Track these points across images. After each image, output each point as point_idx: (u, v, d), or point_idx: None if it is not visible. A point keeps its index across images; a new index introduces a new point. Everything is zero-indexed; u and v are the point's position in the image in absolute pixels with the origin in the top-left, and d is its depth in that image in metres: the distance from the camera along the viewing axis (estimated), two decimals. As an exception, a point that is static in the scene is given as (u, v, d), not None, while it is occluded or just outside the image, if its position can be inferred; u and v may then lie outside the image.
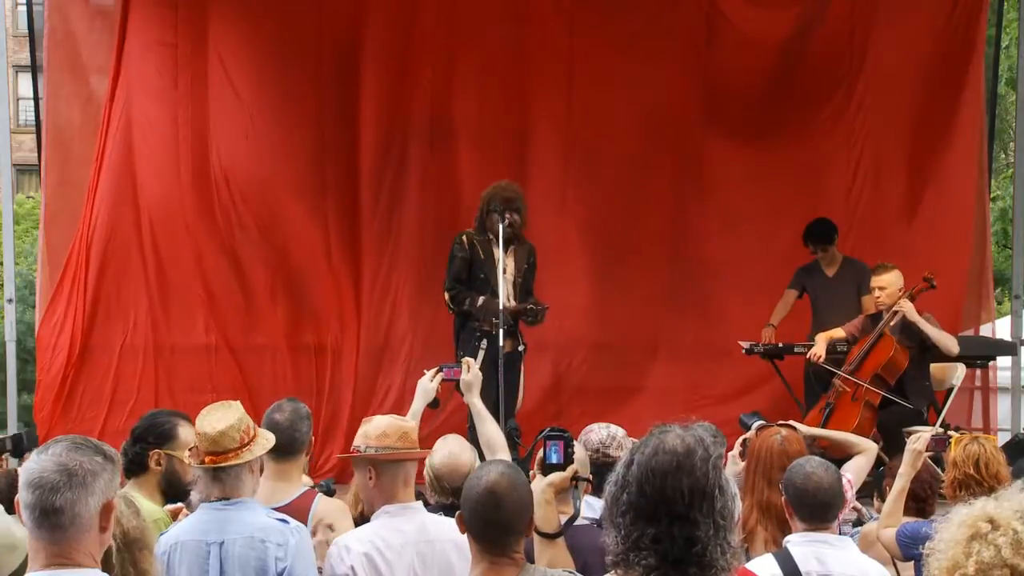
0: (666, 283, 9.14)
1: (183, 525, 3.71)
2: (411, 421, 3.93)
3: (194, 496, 3.99)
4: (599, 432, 4.89)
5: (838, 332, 7.62)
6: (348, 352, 8.93)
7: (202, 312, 8.63)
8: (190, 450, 3.70)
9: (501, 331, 6.84)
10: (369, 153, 9.05)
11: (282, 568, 3.51)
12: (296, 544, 3.55)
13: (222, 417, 3.65)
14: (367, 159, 9.06)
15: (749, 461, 4.29)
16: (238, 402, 3.77)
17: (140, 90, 8.59)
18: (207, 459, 3.61)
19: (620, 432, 4.84)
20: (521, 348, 7.21)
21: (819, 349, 7.54)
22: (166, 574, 3.55)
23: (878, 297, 7.42)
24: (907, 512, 4.72)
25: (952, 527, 2.43)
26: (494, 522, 2.91)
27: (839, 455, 4.94)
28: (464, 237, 7.24)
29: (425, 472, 4.42)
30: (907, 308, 7.28)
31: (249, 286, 8.74)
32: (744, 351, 8.09)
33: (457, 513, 2.97)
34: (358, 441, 3.82)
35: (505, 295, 7.04)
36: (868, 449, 4.97)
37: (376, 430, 3.81)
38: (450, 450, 4.35)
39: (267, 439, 3.77)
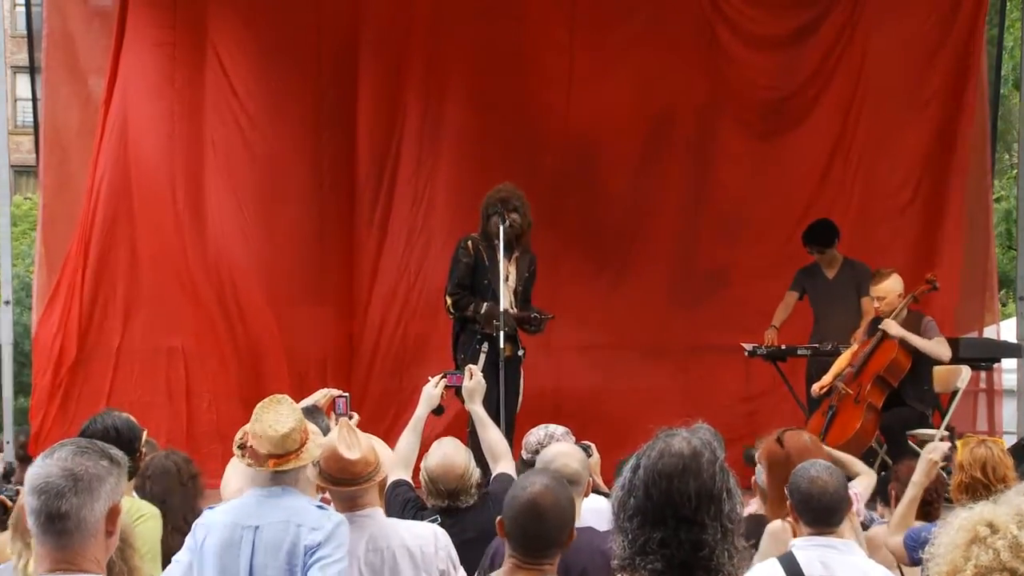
0: (667, 283, 9.16)
1: (225, 507, 3.75)
2: (354, 452, 3.90)
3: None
4: (536, 433, 4.94)
5: (844, 361, 7.57)
6: (344, 357, 8.94)
7: (196, 315, 8.62)
8: (243, 449, 3.68)
9: (502, 334, 6.86)
10: (366, 154, 9.08)
11: (312, 544, 3.52)
12: (331, 529, 3.57)
13: (282, 417, 3.64)
14: (364, 161, 9.08)
15: (773, 467, 4.23)
16: (288, 397, 3.76)
17: (137, 90, 8.58)
18: (271, 462, 3.61)
19: (559, 430, 4.89)
20: (520, 352, 7.22)
21: (825, 381, 7.52)
22: (197, 554, 3.58)
23: (878, 307, 7.42)
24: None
25: (951, 531, 2.43)
26: (534, 535, 2.92)
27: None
28: (469, 242, 7.23)
29: (421, 475, 4.44)
30: (891, 328, 7.27)
31: (243, 289, 8.72)
32: (747, 353, 8.09)
33: (498, 519, 2.99)
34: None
35: (507, 302, 7.04)
36: (867, 473, 5.00)
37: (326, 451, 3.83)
38: (444, 452, 4.38)
39: (317, 434, 3.78)
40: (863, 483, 4.87)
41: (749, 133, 9.13)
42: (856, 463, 5.06)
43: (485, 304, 7.08)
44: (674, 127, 9.17)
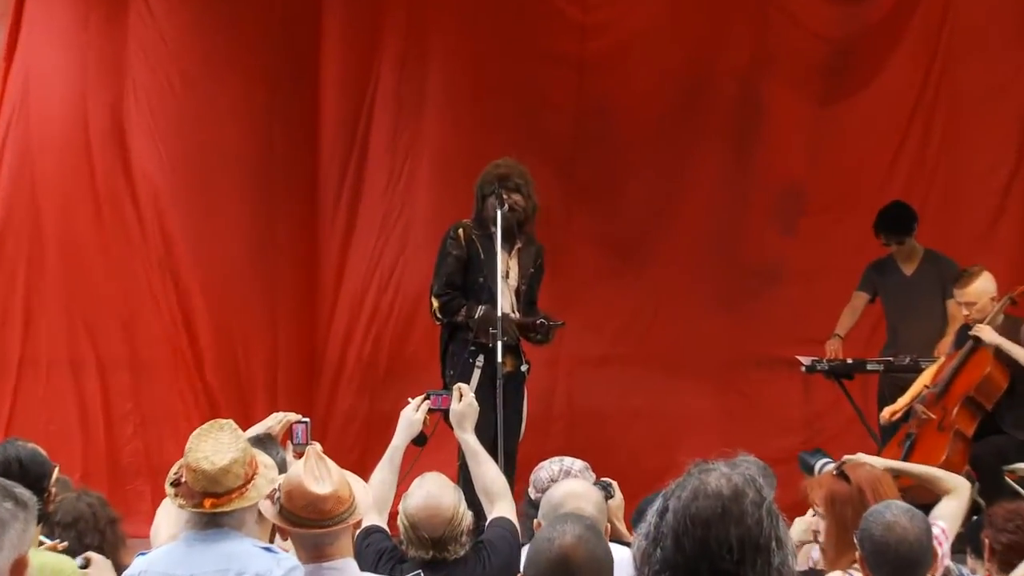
0: (703, 283, 9.18)
1: (152, 556, 3.77)
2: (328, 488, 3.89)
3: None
4: (548, 468, 4.95)
5: (925, 379, 7.56)
6: (302, 373, 8.96)
7: (118, 319, 8.62)
8: (175, 487, 3.69)
9: (500, 345, 6.86)
10: (330, 119, 9.10)
11: None
12: None
13: (222, 447, 3.65)
14: (327, 127, 9.11)
15: (836, 507, 4.23)
16: (232, 422, 3.77)
17: (43, 36, 8.58)
18: (207, 502, 3.63)
19: (577, 465, 4.89)
20: (524, 368, 7.22)
21: (899, 405, 7.52)
22: None
23: (967, 314, 7.42)
24: (1007, 569, 4.72)
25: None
26: None
27: (925, 498, 4.94)
28: (460, 230, 7.22)
29: (399, 520, 4.44)
30: (985, 333, 7.26)
31: (180, 287, 8.71)
32: (804, 369, 8.11)
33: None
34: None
35: (509, 305, 7.04)
36: (960, 488, 4.93)
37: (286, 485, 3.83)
38: (428, 491, 4.38)
39: (270, 467, 3.79)
40: (950, 510, 4.83)
41: (805, 97, 9.15)
42: (946, 478, 4.99)
43: (480, 308, 7.09)
44: (713, 91, 9.19)
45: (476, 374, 6.99)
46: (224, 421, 3.76)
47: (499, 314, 6.95)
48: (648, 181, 9.23)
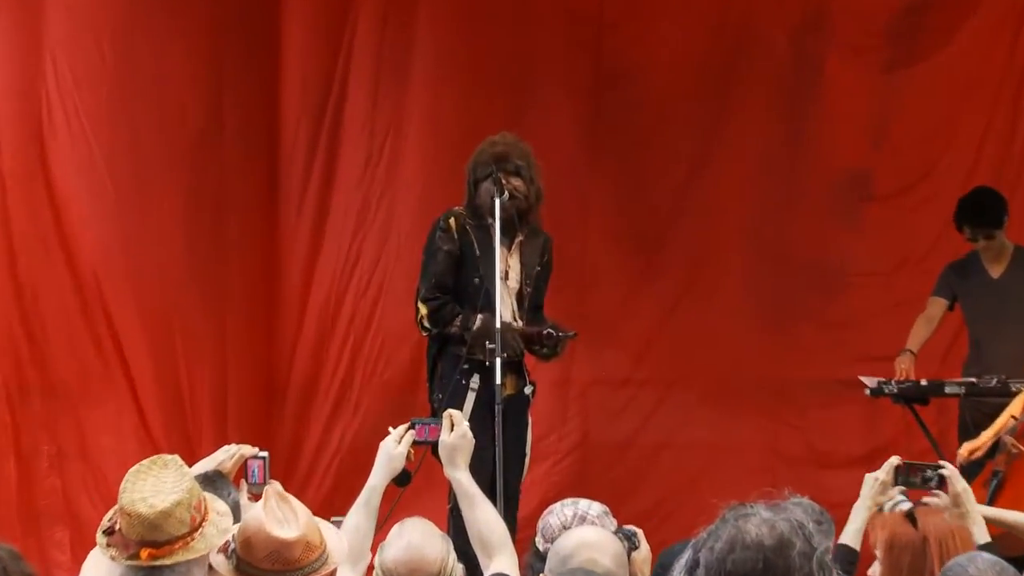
0: (745, 287, 9.22)
1: None
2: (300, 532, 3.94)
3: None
4: (561, 512, 4.97)
5: (1017, 406, 7.57)
6: (259, 397, 9.01)
7: (29, 331, 8.61)
8: (107, 535, 3.72)
9: (499, 363, 6.88)
10: (294, 90, 9.14)
11: None
12: None
13: (165, 487, 3.69)
14: (290, 99, 9.15)
15: (903, 558, 4.28)
16: (177, 458, 3.80)
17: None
18: (144, 553, 3.66)
19: (595, 509, 4.92)
20: (528, 390, 7.22)
21: (982, 440, 7.49)
22: None
23: None
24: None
25: None
26: None
27: (1015, 551, 4.99)
28: (452, 220, 7.21)
29: (375, 574, 4.49)
30: None
31: (107, 292, 8.70)
32: (869, 392, 8.10)
33: None
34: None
35: (509, 312, 7.04)
36: None
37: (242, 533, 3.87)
38: (409, 541, 4.43)
39: (221, 514, 3.82)
40: None
41: (869, 64, 9.18)
42: None
43: (479, 317, 7.06)
44: (758, 56, 9.23)
45: (470, 398, 6.99)
46: (168, 457, 3.78)
47: (498, 325, 6.95)
48: (678, 163, 9.27)
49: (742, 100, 9.28)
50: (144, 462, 3.77)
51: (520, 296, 7.23)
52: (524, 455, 7.20)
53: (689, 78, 9.27)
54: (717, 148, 9.29)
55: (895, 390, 8.08)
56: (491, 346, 6.92)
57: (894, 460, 5.00)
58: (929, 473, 5.06)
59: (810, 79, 9.27)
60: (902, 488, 5.09)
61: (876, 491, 4.92)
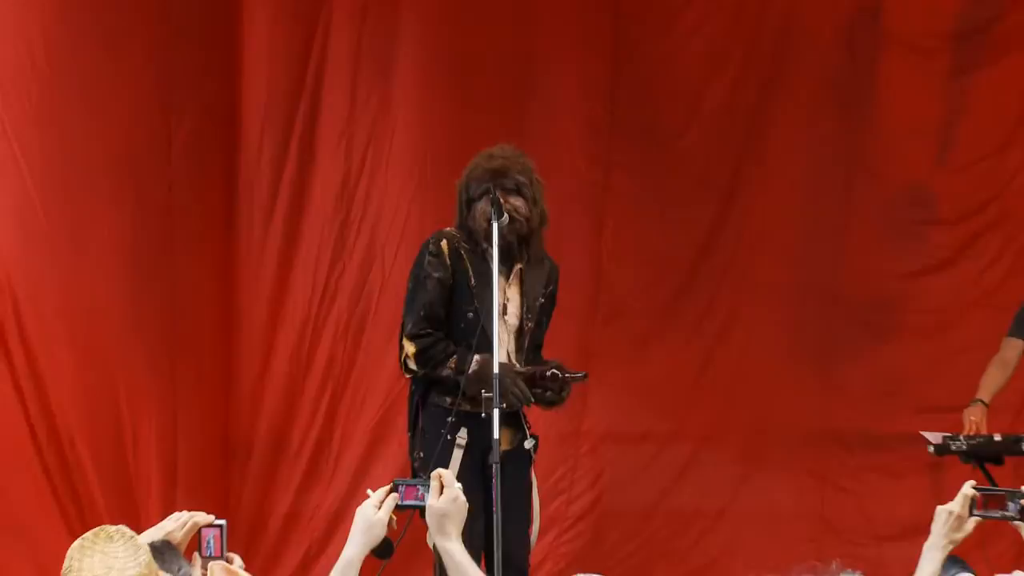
0: (787, 324, 9.27)
1: None
2: None
3: None
4: None
5: None
6: (214, 453, 9.07)
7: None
8: None
9: (496, 413, 6.90)
10: (259, 93, 9.21)
11: None
12: None
13: (115, 563, 3.72)
14: (254, 103, 9.23)
15: None
16: (124, 529, 3.83)
17: None
18: None
19: None
20: (529, 444, 7.22)
21: None
22: None
23: None
24: None
25: None
26: None
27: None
28: (443, 243, 7.15)
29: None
30: None
31: (33, 332, 8.72)
32: (933, 450, 8.12)
33: None
34: None
35: (505, 353, 7.05)
36: None
37: None
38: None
39: None
40: None
41: (932, 67, 9.24)
42: None
43: (476, 358, 7.05)
44: (804, 56, 9.30)
45: (457, 455, 6.97)
46: (113, 528, 3.81)
47: (495, 370, 6.93)
48: (708, 179, 9.32)
49: (786, 107, 9.35)
50: (87, 536, 3.79)
51: (519, 333, 7.22)
52: (530, 521, 7.18)
53: (723, 79, 9.35)
54: (755, 161, 9.36)
55: (964, 447, 8.08)
56: (487, 395, 6.88)
57: (969, 489, 5.01)
58: (1012, 505, 5.07)
59: (864, 81, 9.31)
60: (979, 521, 5.12)
61: (951, 527, 4.94)
